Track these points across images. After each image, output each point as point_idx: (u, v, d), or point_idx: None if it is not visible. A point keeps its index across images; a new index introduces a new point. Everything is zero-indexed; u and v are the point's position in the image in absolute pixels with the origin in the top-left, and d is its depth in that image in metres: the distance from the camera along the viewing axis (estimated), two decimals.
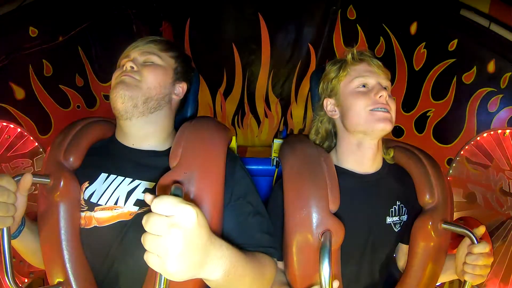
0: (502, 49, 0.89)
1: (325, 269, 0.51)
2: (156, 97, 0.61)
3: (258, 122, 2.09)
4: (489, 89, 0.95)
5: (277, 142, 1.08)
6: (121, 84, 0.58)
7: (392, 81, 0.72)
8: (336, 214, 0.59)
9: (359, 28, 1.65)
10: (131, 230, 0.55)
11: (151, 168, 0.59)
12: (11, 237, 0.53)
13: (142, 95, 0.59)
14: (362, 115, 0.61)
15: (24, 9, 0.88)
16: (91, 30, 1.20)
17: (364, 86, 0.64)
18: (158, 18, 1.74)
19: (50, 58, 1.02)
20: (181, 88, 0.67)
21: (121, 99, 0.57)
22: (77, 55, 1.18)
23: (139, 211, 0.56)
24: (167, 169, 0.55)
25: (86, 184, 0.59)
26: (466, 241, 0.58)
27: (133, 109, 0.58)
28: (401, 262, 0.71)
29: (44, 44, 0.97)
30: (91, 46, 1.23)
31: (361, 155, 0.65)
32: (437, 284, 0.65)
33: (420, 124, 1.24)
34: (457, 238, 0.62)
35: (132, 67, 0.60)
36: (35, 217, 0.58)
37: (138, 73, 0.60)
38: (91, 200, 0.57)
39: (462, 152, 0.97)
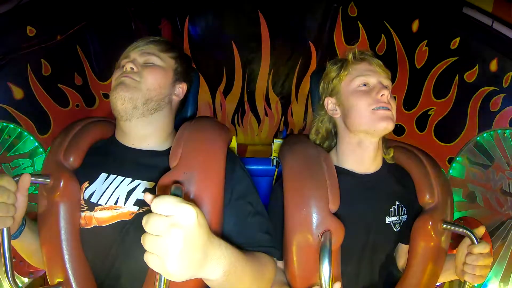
0: (505, 48, 0.88)
1: (325, 269, 0.51)
2: (156, 98, 0.61)
3: (258, 120, 2.08)
4: (491, 88, 0.94)
5: (277, 142, 1.08)
6: (121, 85, 0.58)
7: (393, 79, 0.72)
8: (336, 214, 0.59)
9: (360, 25, 1.64)
10: (131, 230, 0.55)
11: (151, 168, 0.59)
12: (12, 237, 0.53)
13: (142, 97, 0.59)
14: (364, 114, 0.61)
15: (22, 9, 0.87)
16: (89, 28, 1.19)
17: (365, 85, 0.64)
18: (157, 15, 1.73)
19: (49, 57, 1.01)
20: (181, 88, 0.67)
21: (121, 101, 0.57)
22: (76, 54, 1.17)
23: (139, 211, 0.56)
24: (167, 169, 0.55)
25: (86, 184, 0.59)
26: (466, 241, 0.58)
27: (133, 110, 0.58)
28: (401, 262, 0.71)
29: (42, 43, 0.97)
30: (90, 44, 1.22)
31: (361, 154, 0.65)
32: (437, 284, 0.65)
33: (421, 122, 1.23)
34: (457, 238, 0.62)
35: (132, 68, 0.59)
36: (35, 217, 0.58)
37: (138, 74, 0.59)
38: (91, 200, 0.57)
39: (462, 152, 0.96)
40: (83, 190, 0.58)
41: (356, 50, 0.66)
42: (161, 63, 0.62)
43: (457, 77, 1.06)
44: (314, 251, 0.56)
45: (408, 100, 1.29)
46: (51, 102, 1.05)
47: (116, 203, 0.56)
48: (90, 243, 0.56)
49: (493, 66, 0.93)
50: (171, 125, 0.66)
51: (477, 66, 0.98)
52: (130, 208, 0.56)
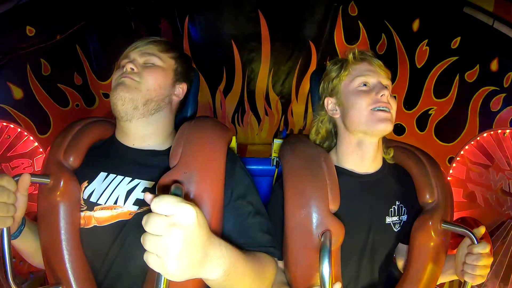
0: (505, 47, 0.88)
1: (325, 269, 0.51)
2: (156, 98, 0.61)
3: (258, 120, 2.08)
4: (492, 88, 0.94)
5: (277, 142, 1.08)
6: (121, 86, 0.58)
7: (393, 78, 0.71)
8: (336, 214, 0.59)
9: (360, 24, 1.64)
10: (130, 229, 0.55)
11: (151, 168, 0.59)
12: (12, 237, 0.53)
13: (142, 97, 0.59)
14: (363, 114, 0.61)
15: (21, 8, 0.87)
16: (89, 28, 1.19)
17: (365, 85, 0.64)
18: (157, 15, 1.72)
19: (48, 57, 1.01)
20: (181, 89, 0.67)
21: (121, 101, 0.57)
22: (75, 54, 1.17)
23: (139, 211, 0.56)
24: (167, 168, 0.55)
25: (85, 183, 0.59)
26: (466, 241, 0.58)
27: (133, 111, 0.58)
28: (401, 262, 0.71)
29: (41, 43, 0.97)
30: (89, 44, 1.22)
31: (361, 154, 0.65)
32: (437, 284, 0.65)
33: (422, 122, 1.23)
34: (457, 238, 0.62)
35: (132, 69, 0.59)
36: (35, 217, 0.59)
37: (138, 74, 0.59)
38: (90, 200, 0.57)
39: (462, 152, 0.96)
40: (82, 190, 0.58)
41: (356, 50, 0.66)
42: (161, 63, 0.62)
43: (457, 77, 1.06)
44: (314, 251, 0.56)
45: (409, 100, 1.29)
46: (51, 102, 1.05)
47: (115, 202, 0.56)
48: (89, 243, 0.56)
49: (494, 66, 0.93)
50: (171, 125, 0.66)
51: (477, 66, 0.98)
52: (130, 208, 0.56)
